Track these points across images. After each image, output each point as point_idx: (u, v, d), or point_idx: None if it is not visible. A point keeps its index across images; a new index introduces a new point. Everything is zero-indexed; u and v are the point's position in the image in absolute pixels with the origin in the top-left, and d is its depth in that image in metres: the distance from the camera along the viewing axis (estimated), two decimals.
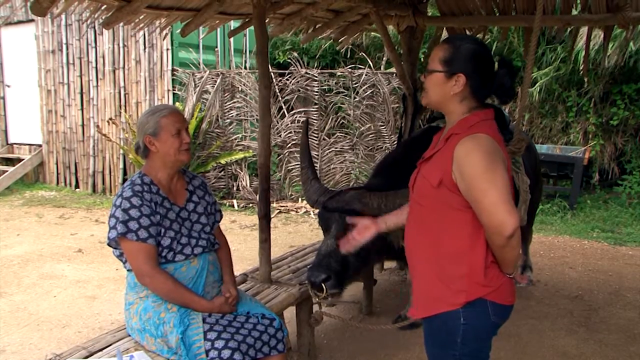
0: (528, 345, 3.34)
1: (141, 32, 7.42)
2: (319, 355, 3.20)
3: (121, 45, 8.08)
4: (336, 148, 7.60)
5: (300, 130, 7.36)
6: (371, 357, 3.20)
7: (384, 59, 8.50)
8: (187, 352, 1.99)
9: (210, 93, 7.73)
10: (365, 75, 7.49)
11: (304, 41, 4.77)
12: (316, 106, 7.59)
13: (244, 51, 8.94)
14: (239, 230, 6.35)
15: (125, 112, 8.06)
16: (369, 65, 7.79)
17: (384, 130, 7.51)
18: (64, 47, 8.63)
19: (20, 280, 4.51)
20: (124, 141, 8.02)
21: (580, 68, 7.08)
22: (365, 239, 2.11)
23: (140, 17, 3.52)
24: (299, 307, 3.00)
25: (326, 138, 7.62)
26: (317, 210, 2.83)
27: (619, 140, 7.80)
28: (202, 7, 3.47)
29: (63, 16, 8.24)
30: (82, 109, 8.64)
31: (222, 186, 7.89)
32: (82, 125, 8.67)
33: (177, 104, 7.60)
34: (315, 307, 2.58)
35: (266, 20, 3.35)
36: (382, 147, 7.51)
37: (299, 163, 3.86)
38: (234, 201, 7.62)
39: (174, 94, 7.78)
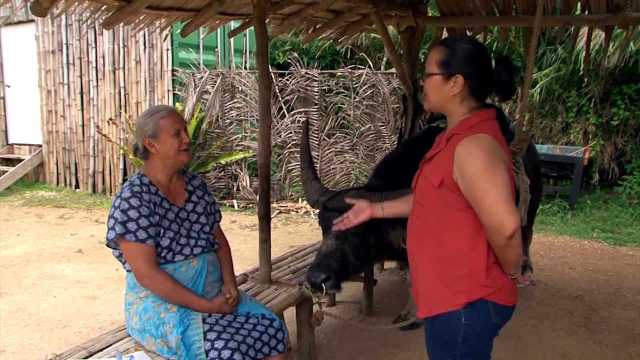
0: (528, 346, 3.34)
1: (141, 33, 7.42)
2: (319, 355, 3.20)
3: (121, 45, 8.08)
4: (336, 148, 7.60)
5: (300, 131, 7.36)
6: (371, 357, 3.20)
7: (384, 59, 8.51)
8: (187, 352, 1.98)
9: (210, 93, 7.74)
10: (365, 75, 7.49)
11: (304, 41, 4.77)
12: (316, 106, 7.59)
13: (244, 51, 8.95)
14: (239, 231, 6.35)
15: (125, 112, 8.06)
16: (369, 65, 7.79)
17: (384, 131, 7.51)
18: (64, 47, 8.64)
19: (20, 281, 4.51)
20: (124, 141, 8.02)
21: (581, 68, 7.09)
22: (360, 221, 2.11)
23: (141, 18, 3.52)
24: (299, 308, 3.00)
25: (326, 138, 7.62)
26: (317, 211, 2.83)
27: (619, 140, 7.80)
28: (202, 8, 3.47)
29: (63, 16, 8.25)
30: (82, 109, 8.64)
31: (222, 186, 7.89)
32: (82, 126, 8.67)
33: (177, 104, 7.61)
34: (316, 307, 2.58)
35: (266, 21, 3.35)
36: (382, 148, 7.51)
37: (299, 163, 3.86)
38: (234, 201, 7.62)
39: (174, 94, 7.78)
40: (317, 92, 7.58)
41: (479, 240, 1.64)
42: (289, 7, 3.59)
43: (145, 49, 7.88)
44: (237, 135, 7.81)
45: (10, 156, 9.47)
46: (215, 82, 7.72)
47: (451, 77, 1.68)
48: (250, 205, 7.49)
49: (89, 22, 3.38)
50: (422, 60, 6.11)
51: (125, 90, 8.16)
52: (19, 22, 9.16)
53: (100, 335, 2.31)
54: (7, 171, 8.66)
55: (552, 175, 7.51)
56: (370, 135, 7.56)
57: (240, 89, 7.77)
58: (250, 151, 7.66)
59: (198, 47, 8.21)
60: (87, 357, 2.08)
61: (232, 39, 8.48)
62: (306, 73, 7.61)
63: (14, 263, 4.96)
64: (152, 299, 2.12)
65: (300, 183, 3.73)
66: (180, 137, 2.15)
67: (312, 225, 6.58)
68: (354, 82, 7.57)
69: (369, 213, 2.09)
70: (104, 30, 7.93)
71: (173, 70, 7.73)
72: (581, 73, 7.36)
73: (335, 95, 7.62)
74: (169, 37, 7.39)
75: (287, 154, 7.66)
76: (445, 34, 4.49)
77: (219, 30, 7.35)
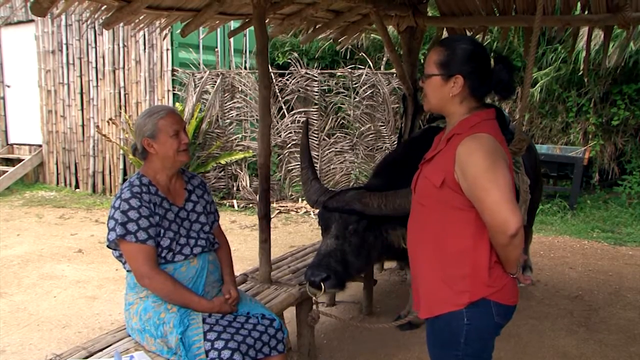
0: (528, 346, 3.34)
1: (141, 33, 7.42)
2: (319, 355, 3.20)
3: (121, 45, 8.08)
4: (336, 148, 7.60)
5: (300, 131, 7.36)
6: (371, 357, 3.20)
7: (384, 59, 8.50)
8: (186, 352, 1.98)
9: (210, 93, 7.73)
10: (365, 75, 7.49)
11: (303, 41, 4.77)
12: (316, 106, 7.59)
13: (244, 51, 8.94)
14: (239, 231, 6.35)
15: (125, 112, 8.06)
16: (369, 65, 7.79)
17: (384, 131, 7.51)
18: (64, 47, 8.63)
19: (20, 281, 4.51)
20: (124, 141, 8.02)
21: (581, 68, 7.08)
22: None
23: (140, 18, 3.52)
24: (299, 308, 3.00)
25: (326, 138, 7.62)
26: (317, 210, 2.83)
27: (619, 140, 7.79)
28: (202, 8, 3.47)
29: (63, 16, 8.24)
30: (82, 109, 8.64)
31: (222, 186, 7.89)
32: (82, 126, 8.67)
33: (177, 104, 7.61)
34: (313, 306, 2.58)
35: (266, 21, 3.35)
36: (382, 147, 7.51)
37: (299, 163, 3.86)
38: (234, 201, 7.61)
39: (174, 94, 7.78)
40: (317, 92, 7.58)
41: (481, 240, 1.64)
42: (289, 7, 3.59)
43: (145, 49, 7.88)
44: (237, 135, 7.81)
45: (10, 156, 9.47)
46: (215, 82, 7.72)
47: (451, 78, 1.68)
48: (250, 205, 7.49)
49: (88, 22, 3.38)
50: (422, 60, 6.11)
51: (125, 90, 8.16)
52: (19, 22, 9.16)
53: (100, 335, 2.31)
54: (7, 171, 8.66)
55: (552, 175, 7.51)
56: (370, 135, 7.56)
57: (240, 89, 7.77)
58: (250, 151, 7.66)
59: (198, 47, 8.20)
60: (87, 357, 2.08)
61: (232, 39, 8.48)
62: (306, 73, 7.61)
63: (14, 263, 4.96)
64: (152, 299, 2.12)
65: (300, 183, 3.73)
66: (179, 137, 2.15)
67: (312, 225, 6.58)
68: (353, 82, 7.56)
69: None
70: (103, 30, 7.92)
71: (173, 70, 7.73)
72: (581, 73, 7.36)
73: (335, 95, 7.62)
74: (168, 37, 7.38)
75: (287, 154, 7.66)
76: (445, 34, 4.49)
77: (219, 30, 7.35)
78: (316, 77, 7.57)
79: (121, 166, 8.22)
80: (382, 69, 8.12)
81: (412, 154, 2.30)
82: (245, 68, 8.40)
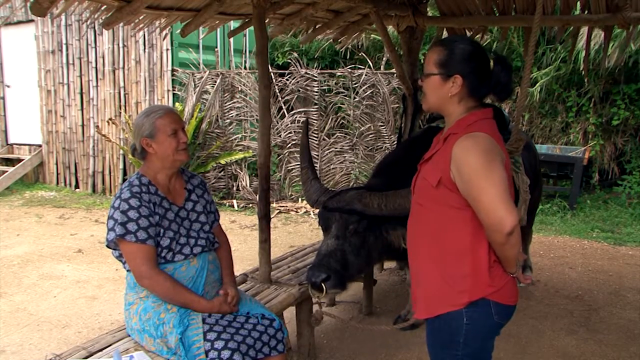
0: (528, 345, 3.34)
1: (141, 32, 7.41)
2: (319, 355, 3.20)
3: (121, 45, 8.08)
4: (336, 148, 7.60)
5: (300, 131, 7.36)
6: (371, 357, 3.20)
7: (384, 59, 8.50)
8: (186, 352, 1.98)
9: (210, 93, 7.74)
10: (365, 75, 7.49)
11: (303, 41, 4.77)
12: (316, 106, 7.59)
13: (244, 51, 8.94)
14: (239, 231, 6.35)
15: (125, 112, 8.06)
16: (369, 65, 7.79)
17: (383, 131, 7.51)
18: (64, 47, 8.64)
19: (20, 281, 4.51)
20: (124, 141, 8.02)
21: (581, 68, 7.08)
22: None
23: (140, 18, 3.52)
24: (299, 308, 3.00)
25: (326, 138, 7.62)
26: (317, 210, 2.83)
27: (619, 140, 7.79)
28: (202, 8, 3.47)
29: (63, 16, 8.25)
30: (82, 109, 8.64)
31: (222, 186, 7.89)
32: (82, 126, 8.67)
33: (177, 104, 7.61)
34: (316, 307, 2.58)
35: (266, 21, 3.35)
36: (382, 147, 7.50)
37: (299, 163, 3.86)
38: (234, 201, 7.61)
39: (173, 94, 7.78)
40: (316, 92, 7.58)
41: (480, 239, 1.64)
42: (289, 7, 3.59)
43: (145, 49, 7.88)
44: (237, 135, 7.81)
45: (10, 156, 9.47)
46: (215, 82, 7.72)
47: (450, 78, 1.68)
48: (250, 205, 7.49)
49: (88, 22, 3.37)
50: (422, 60, 6.11)
51: (125, 90, 8.16)
52: (19, 22, 9.16)
53: (100, 335, 2.31)
54: (7, 171, 8.66)
55: (552, 175, 7.51)
56: (370, 135, 7.55)
57: (240, 89, 7.77)
58: (250, 151, 7.66)
59: (198, 47, 8.20)
60: (87, 357, 2.08)
61: (232, 39, 8.48)
62: (306, 73, 7.61)
63: (14, 263, 4.96)
64: (152, 299, 2.12)
65: (300, 183, 3.73)
66: (177, 136, 2.15)
67: (312, 225, 6.58)
68: (353, 82, 7.56)
69: None
70: (103, 30, 7.92)
71: (173, 70, 7.73)
72: (581, 73, 7.35)
73: (335, 95, 7.62)
74: (168, 37, 7.38)
75: (287, 154, 7.65)
76: (445, 34, 4.49)
77: (218, 30, 7.35)
78: (316, 77, 7.56)
79: (121, 166, 8.22)
80: (382, 69, 8.12)
81: (412, 153, 2.30)
82: (245, 68, 8.40)
